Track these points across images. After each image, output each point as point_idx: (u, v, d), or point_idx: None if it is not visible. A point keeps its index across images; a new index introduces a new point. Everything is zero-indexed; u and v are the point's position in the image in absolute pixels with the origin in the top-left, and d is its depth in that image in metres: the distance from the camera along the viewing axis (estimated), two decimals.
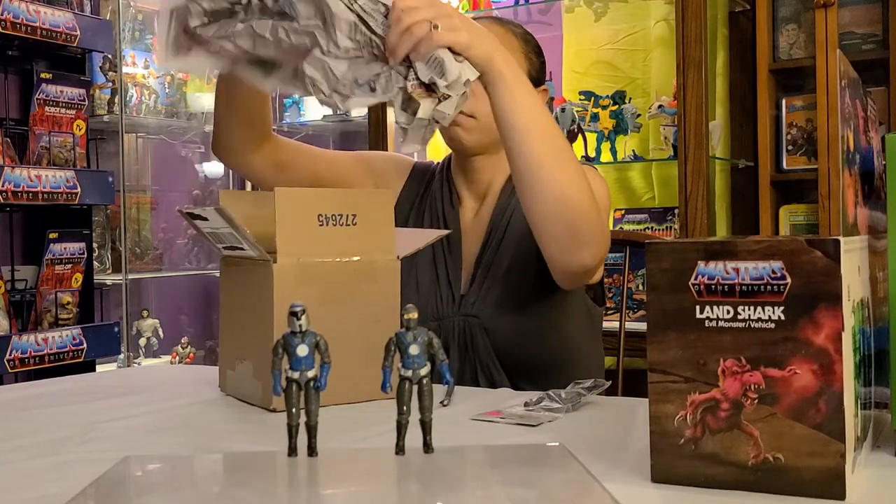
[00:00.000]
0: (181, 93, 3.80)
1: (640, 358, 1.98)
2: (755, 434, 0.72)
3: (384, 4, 1.13)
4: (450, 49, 1.15)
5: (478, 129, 1.48)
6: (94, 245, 3.30)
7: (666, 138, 2.75)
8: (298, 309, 0.73)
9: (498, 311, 1.44)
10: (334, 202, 1.15)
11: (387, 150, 3.00)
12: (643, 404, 0.78)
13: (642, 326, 0.94)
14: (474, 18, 1.58)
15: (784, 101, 2.77)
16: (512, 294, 1.45)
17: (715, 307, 0.74)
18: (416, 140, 1.15)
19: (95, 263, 3.29)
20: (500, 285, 1.46)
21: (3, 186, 2.71)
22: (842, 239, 0.71)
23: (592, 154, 2.82)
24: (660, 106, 2.72)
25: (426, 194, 1.60)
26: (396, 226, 1.27)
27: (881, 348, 0.87)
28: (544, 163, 1.22)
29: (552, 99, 2.84)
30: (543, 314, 1.45)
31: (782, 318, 0.72)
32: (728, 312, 0.73)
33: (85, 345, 2.97)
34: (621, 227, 2.85)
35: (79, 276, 3.07)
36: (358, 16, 1.11)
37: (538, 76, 1.55)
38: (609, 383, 1.15)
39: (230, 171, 3.98)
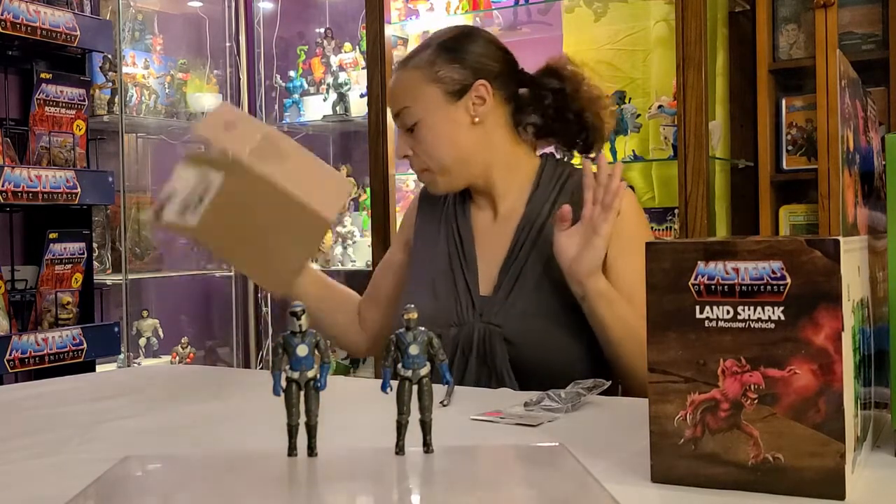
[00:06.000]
0: (181, 93, 3.80)
1: None
2: (755, 434, 0.72)
3: None
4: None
5: (442, 174, 1.51)
6: (94, 245, 3.30)
7: (666, 138, 2.74)
8: (298, 309, 0.73)
9: (524, 322, 1.42)
10: None
11: (386, 148, 3.00)
12: (643, 404, 0.78)
13: None
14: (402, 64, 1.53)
15: (784, 101, 2.77)
16: (541, 307, 1.43)
17: (715, 307, 0.74)
18: None
19: (95, 263, 3.28)
20: (527, 297, 1.44)
21: (3, 186, 2.71)
22: (842, 239, 0.71)
23: (592, 154, 2.81)
24: (660, 106, 2.72)
25: (444, 206, 1.60)
26: (427, 247, 1.52)
27: (881, 348, 0.87)
28: (636, 364, 1.35)
29: None
30: (569, 326, 1.42)
31: (782, 318, 0.72)
32: (728, 312, 0.73)
33: (85, 345, 2.96)
34: None
35: (79, 276, 3.07)
36: None
37: (462, 83, 1.48)
38: (609, 383, 1.15)
39: None
